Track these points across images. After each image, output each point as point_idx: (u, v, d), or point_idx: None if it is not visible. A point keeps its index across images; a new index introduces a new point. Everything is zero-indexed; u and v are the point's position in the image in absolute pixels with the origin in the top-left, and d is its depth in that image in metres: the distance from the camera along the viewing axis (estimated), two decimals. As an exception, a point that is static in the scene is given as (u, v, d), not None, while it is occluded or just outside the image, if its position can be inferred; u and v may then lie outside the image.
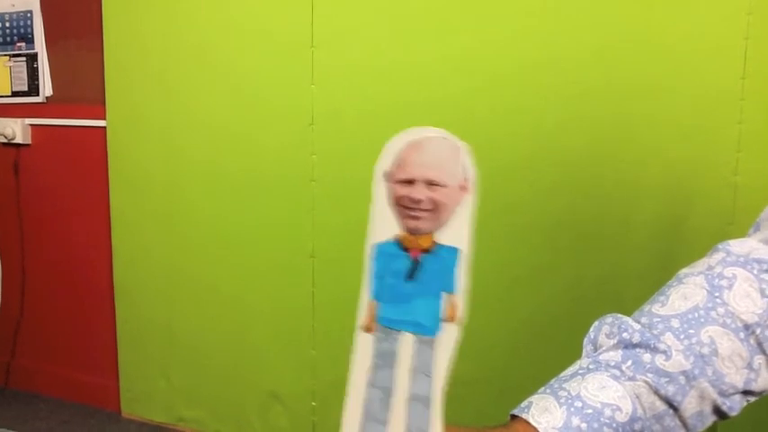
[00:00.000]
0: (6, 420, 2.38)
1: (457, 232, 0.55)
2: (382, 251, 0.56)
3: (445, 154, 0.55)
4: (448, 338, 0.55)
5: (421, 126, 0.56)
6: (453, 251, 0.55)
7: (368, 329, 0.56)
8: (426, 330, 0.55)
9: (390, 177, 0.56)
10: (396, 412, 0.54)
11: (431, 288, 0.55)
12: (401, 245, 0.56)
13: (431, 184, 0.55)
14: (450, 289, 0.55)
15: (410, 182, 0.55)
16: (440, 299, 0.55)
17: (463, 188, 0.55)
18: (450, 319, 0.54)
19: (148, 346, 2.32)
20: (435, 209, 0.55)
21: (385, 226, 0.56)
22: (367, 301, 0.56)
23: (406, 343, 0.55)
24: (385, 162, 0.56)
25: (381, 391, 0.55)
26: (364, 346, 0.55)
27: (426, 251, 0.55)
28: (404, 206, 0.55)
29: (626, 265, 1.71)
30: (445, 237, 0.55)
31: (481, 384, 1.77)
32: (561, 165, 1.73)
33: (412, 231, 0.55)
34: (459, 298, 0.54)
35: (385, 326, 0.55)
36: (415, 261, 0.55)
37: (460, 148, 0.55)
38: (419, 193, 0.55)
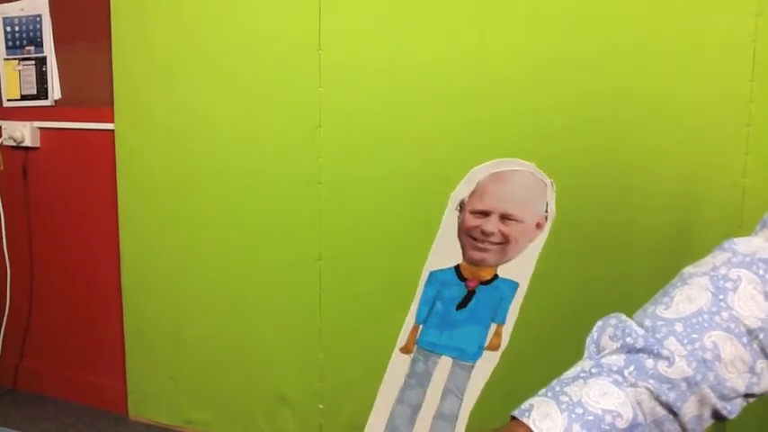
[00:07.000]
0: (14, 422, 2.39)
1: (521, 268, 0.54)
2: (438, 278, 0.54)
3: (528, 189, 0.53)
4: (487, 365, 0.54)
5: (508, 158, 0.53)
6: (512, 285, 0.53)
7: (407, 351, 0.54)
8: (468, 357, 0.54)
9: (465, 206, 0.54)
10: (419, 428, 0.53)
11: (480, 317, 0.53)
12: (460, 274, 0.54)
13: (506, 218, 0.53)
14: (500, 320, 0.53)
15: (485, 213, 0.53)
16: (486, 328, 0.53)
17: (539, 226, 0.54)
18: (494, 347, 0.53)
19: (156, 348, 2.33)
20: (505, 243, 0.53)
21: (448, 255, 0.54)
22: (411, 324, 0.55)
23: (443, 366, 0.54)
24: (463, 190, 0.54)
25: (409, 408, 0.54)
26: (399, 366, 0.54)
27: (484, 283, 0.54)
28: (473, 237, 0.53)
29: (633, 269, 1.70)
30: (507, 271, 0.54)
31: (487, 386, 1.76)
32: (567, 167, 1.72)
33: (476, 263, 0.53)
34: (506, 328, 0.53)
35: (425, 349, 0.54)
36: (471, 291, 0.54)
37: (547, 185, 0.53)
38: (492, 225, 0.52)
